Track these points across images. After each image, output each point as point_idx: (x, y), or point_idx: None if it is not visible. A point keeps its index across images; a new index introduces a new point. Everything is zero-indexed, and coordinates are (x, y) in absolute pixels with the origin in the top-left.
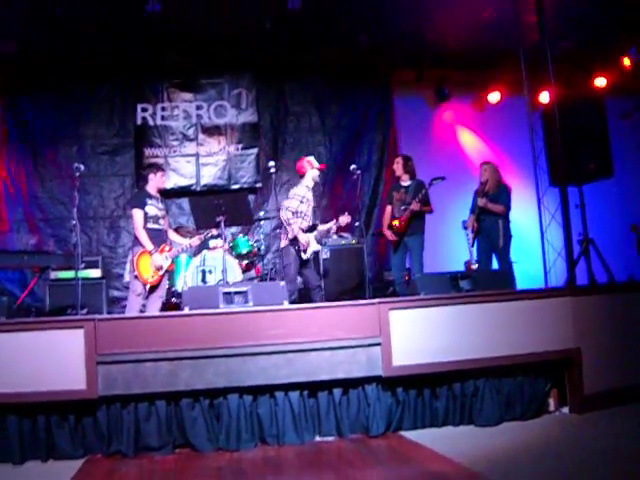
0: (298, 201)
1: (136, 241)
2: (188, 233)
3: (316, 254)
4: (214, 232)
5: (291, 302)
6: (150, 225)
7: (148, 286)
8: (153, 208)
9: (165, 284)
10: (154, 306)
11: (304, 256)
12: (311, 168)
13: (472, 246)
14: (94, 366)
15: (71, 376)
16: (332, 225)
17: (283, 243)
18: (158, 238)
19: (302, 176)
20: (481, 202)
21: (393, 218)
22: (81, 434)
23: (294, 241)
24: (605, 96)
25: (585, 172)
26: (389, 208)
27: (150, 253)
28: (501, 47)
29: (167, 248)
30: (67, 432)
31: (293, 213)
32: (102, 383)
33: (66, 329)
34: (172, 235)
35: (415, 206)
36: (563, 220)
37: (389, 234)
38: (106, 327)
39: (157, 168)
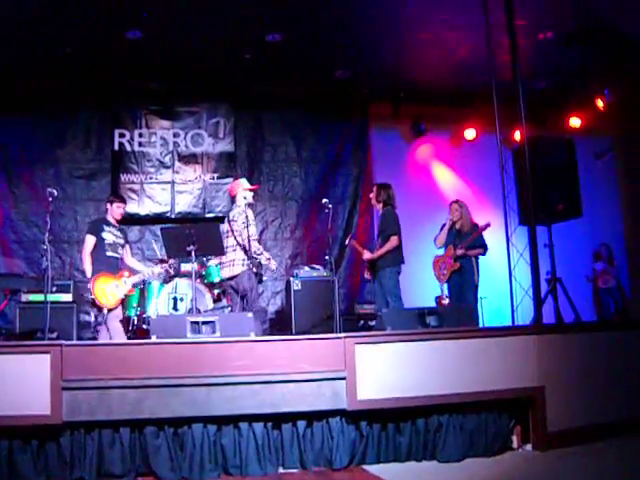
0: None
1: (97, 266)
2: (160, 262)
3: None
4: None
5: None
6: (109, 253)
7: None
8: (111, 236)
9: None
10: (113, 324)
11: None
12: (242, 190)
13: (443, 282)
14: (59, 392)
15: (36, 401)
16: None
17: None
18: (116, 266)
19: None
20: (460, 252)
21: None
22: (44, 459)
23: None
24: (577, 136)
25: (554, 212)
26: None
27: (100, 276)
28: (476, 85)
29: (126, 274)
30: (29, 457)
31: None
32: (67, 409)
33: (32, 354)
34: (131, 262)
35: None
36: (531, 259)
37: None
38: (72, 353)
39: (113, 198)
